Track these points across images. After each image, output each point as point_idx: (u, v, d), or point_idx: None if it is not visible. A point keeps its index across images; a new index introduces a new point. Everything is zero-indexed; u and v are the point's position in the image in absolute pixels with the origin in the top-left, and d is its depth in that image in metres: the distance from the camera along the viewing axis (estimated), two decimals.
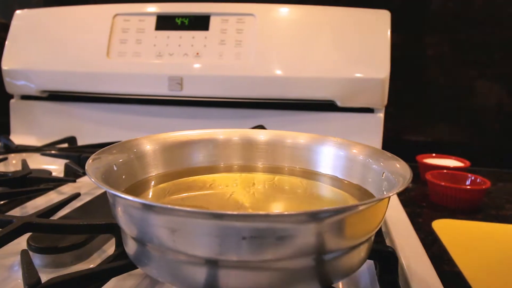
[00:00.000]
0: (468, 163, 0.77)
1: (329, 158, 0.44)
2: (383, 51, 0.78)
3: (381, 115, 0.81)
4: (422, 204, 0.66)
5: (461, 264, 0.45)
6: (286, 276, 0.30)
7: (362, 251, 0.34)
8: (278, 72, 0.79)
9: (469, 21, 0.85)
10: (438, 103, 0.90)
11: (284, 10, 0.83)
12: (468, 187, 0.65)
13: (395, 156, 0.39)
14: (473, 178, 0.67)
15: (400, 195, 0.70)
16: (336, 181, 0.43)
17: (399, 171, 0.37)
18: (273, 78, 0.79)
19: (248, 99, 0.81)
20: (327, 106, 0.80)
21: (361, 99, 0.79)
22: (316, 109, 0.81)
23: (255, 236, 0.28)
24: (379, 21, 0.81)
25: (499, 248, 0.50)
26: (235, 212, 0.26)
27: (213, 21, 0.84)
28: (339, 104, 0.79)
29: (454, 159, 0.80)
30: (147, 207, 0.27)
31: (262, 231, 0.28)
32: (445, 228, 0.55)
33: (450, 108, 0.89)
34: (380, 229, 0.49)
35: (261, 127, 0.68)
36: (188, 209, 0.25)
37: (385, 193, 0.36)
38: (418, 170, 0.79)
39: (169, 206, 0.26)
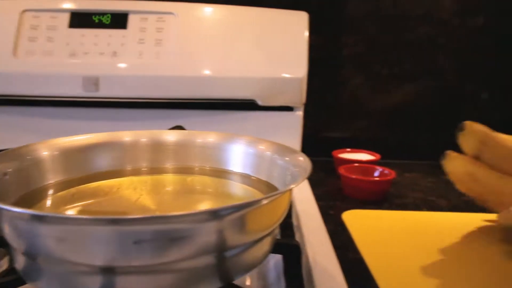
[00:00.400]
0: (378, 156, 0.83)
1: (239, 156, 0.45)
2: (301, 51, 0.81)
3: (300, 113, 0.84)
4: (336, 197, 0.70)
5: (365, 251, 0.49)
6: (187, 276, 0.30)
7: (265, 245, 0.36)
8: (199, 71, 0.79)
9: (380, 23, 0.91)
10: (354, 100, 0.95)
11: (205, 9, 0.83)
12: (377, 178, 0.70)
13: (299, 151, 0.41)
14: (381, 170, 0.72)
15: (316, 189, 0.74)
16: (246, 178, 0.44)
17: (302, 165, 0.39)
18: (194, 78, 0.79)
19: (169, 99, 0.80)
20: (248, 105, 0.82)
21: (281, 98, 0.81)
22: (237, 108, 0.82)
23: (149, 239, 0.28)
24: (297, 22, 0.84)
25: (400, 234, 0.54)
26: (123, 217, 0.25)
27: (131, 20, 0.82)
28: (260, 103, 0.81)
29: (367, 153, 0.85)
30: (32, 217, 0.26)
31: (156, 234, 0.28)
32: (354, 219, 0.59)
33: (365, 105, 0.95)
34: (291, 223, 0.52)
35: (179, 127, 0.67)
36: (74, 216, 0.25)
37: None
38: (334, 165, 0.83)
39: (53, 214, 0.25)
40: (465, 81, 0.91)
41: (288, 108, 0.84)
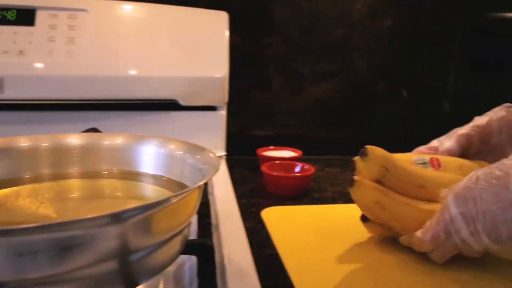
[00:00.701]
0: (300, 152, 0.85)
1: (149, 157, 0.44)
2: (221, 51, 0.82)
3: (223, 113, 0.84)
4: (259, 194, 0.71)
5: (281, 247, 0.50)
6: (89, 284, 0.29)
7: (174, 246, 0.35)
8: (116, 71, 0.76)
9: (299, 25, 0.94)
10: (276, 99, 0.97)
11: (121, 6, 0.80)
12: (297, 174, 0.72)
13: (209, 150, 0.41)
14: (301, 166, 0.74)
15: (240, 187, 0.74)
16: (158, 179, 0.43)
17: (212, 162, 0.39)
18: (111, 78, 0.76)
19: (83, 100, 0.76)
20: (170, 105, 0.80)
21: (203, 98, 0.81)
22: (158, 108, 0.81)
23: (41, 250, 0.26)
24: (218, 22, 0.84)
25: (315, 228, 0.56)
26: (4, 228, 0.23)
27: (39, 16, 0.77)
28: (181, 103, 0.80)
29: (290, 150, 0.87)
30: None
31: (47, 243, 0.26)
32: (273, 215, 0.60)
33: (287, 103, 0.98)
34: (210, 223, 0.51)
35: (94, 130, 0.64)
36: None
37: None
38: (258, 163, 0.84)
39: None
40: (377, 79, 0.97)
41: (211, 108, 0.84)
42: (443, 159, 0.53)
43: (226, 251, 0.43)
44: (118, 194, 0.42)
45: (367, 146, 0.47)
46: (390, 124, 1.01)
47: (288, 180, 0.69)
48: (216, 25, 0.83)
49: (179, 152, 0.42)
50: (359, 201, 0.47)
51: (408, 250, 0.48)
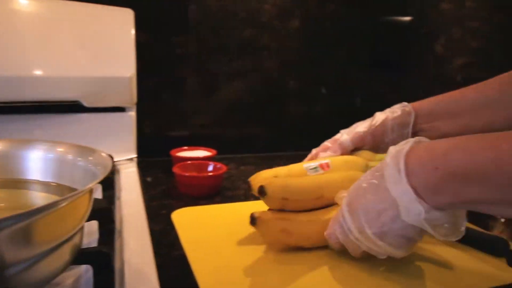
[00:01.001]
0: (214, 152, 0.85)
1: (36, 162, 0.41)
2: (128, 49, 0.78)
3: (132, 114, 0.81)
4: (171, 196, 0.69)
5: (188, 248, 0.49)
6: None
7: (62, 256, 0.33)
8: (13, 71, 0.69)
9: (209, 24, 0.93)
10: (190, 99, 0.96)
11: (18, 1, 0.73)
12: (209, 174, 0.72)
13: (101, 150, 0.39)
14: (214, 165, 0.74)
15: (151, 190, 0.72)
16: (47, 186, 0.40)
17: (104, 163, 0.37)
18: (7, 78, 0.69)
19: None
20: (73, 107, 0.75)
21: (109, 99, 0.77)
22: (60, 111, 0.75)
23: None
24: (123, 20, 0.80)
25: (224, 226, 0.57)
26: None
27: None
28: (85, 104, 0.75)
29: (204, 150, 0.87)
30: None
31: None
32: (184, 216, 0.60)
33: (201, 103, 0.97)
34: (113, 228, 0.49)
35: None
36: None
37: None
38: (172, 164, 0.82)
39: None
40: (288, 77, 1.01)
41: (120, 109, 0.80)
42: (331, 159, 0.57)
43: (127, 257, 0.42)
44: (1, 205, 0.38)
45: (265, 184, 0.48)
46: (301, 121, 1.05)
47: (199, 180, 0.68)
48: (121, 23, 0.79)
49: (69, 156, 0.40)
50: (266, 235, 0.48)
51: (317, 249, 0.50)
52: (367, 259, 0.48)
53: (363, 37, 1.04)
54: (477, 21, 1.13)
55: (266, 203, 0.49)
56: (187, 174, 0.68)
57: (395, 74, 1.09)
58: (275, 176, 0.54)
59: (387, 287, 0.43)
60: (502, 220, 0.62)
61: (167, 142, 0.95)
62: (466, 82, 1.18)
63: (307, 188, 0.50)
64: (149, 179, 0.80)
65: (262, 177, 0.52)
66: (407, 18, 1.06)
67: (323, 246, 0.50)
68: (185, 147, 0.87)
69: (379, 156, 0.58)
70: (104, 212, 0.48)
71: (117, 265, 0.41)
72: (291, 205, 0.49)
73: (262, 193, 0.48)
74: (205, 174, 0.71)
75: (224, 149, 1.00)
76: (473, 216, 0.63)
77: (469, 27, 1.13)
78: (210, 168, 0.74)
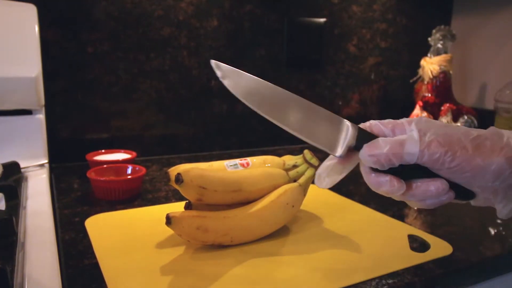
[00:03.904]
0: (134, 154, 0.82)
1: None
2: (32, 48, 0.73)
3: (41, 116, 0.75)
4: (86, 202, 0.66)
5: (101, 256, 0.47)
6: None
7: None
8: None
9: (123, 21, 0.90)
10: (107, 99, 0.92)
11: None
12: (127, 177, 0.70)
13: None
14: (132, 167, 0.72)
15: (64, 197, 0.68)
16: None
17: None
18: None
19: None
20: None
21: (12, 101, 0.71)
22: None
23: None
24: (25, 16, 0.74)
25: (140, 229, 0.55)
26: None
27: None
28: None
29: (123, 152, 0.84)
30: None
31: None
32: (98, 223, 0.57)
33: (120, 104, 0.93)
34: (16, 241, 0.45)
35: None
36: None
37: None
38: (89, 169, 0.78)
39: None
40: (208, 76, 1.00)
41: (26, 112, 0.74)
42: (251, 159, 0.58)
43: (28, 271, 0.39)
44: None
45: (181, 171, 0.47)
46: (224, 120, 1.05)
47: (115, 184, 0.65)
48: (23, 19, 0.73)
49: None
50: (182, 234, 0.47)
51: (230, 252, 0.50)
52: (293, 252, 0.50)
53: (280, 37, 1.07)
54: (384, 23, 1.22)
55: (183, 192, 0.49)
56: (102, 178, 0.65)
57: (312, 73, 1.14)
58: None
59: (310, 278, 0.45)
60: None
61: (85, 146, 0.90)
62: (378, 80, 1.27)
63: (226, 179, 0.51)
64: (63, 185, 0.75)
65: (181, 168, 0.51)
66: (322, 20, 1.11)
67: (244, 243, 0.51)
68: (103, 151, 0.83)
69: (297, 156, 0.60)
70: (4, 224, 0.44)
71: (17, 280, 0.38)
72: (209, 196, 0.49)
73: (179, 180, 0.47)
74: (121, 178, 0.68)
75: (146, 151, 0.97)
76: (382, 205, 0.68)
77: (377, 28, 1.21)
78: (129, 171, 0.72)
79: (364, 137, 0.36)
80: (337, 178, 0.39)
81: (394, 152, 0.34)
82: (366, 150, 0.35)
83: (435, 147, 0.33)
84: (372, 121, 0.38)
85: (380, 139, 0.35)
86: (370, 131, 0.37)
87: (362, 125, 0.38)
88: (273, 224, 0.53)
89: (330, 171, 0.38)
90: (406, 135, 0.35)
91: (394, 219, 0.62)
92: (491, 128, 0.36)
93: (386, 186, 0.35)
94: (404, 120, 0.37)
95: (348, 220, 0.61)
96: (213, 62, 0.40)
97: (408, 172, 0.35)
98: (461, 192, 0.36)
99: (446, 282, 0.49)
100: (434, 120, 0.36)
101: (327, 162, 0.39)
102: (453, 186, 0.36)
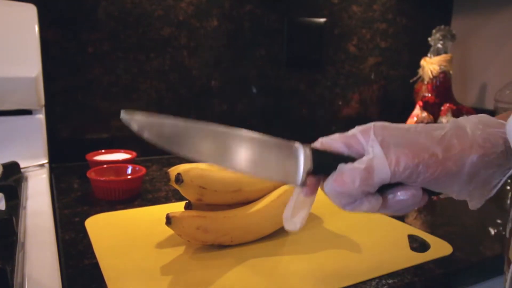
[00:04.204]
0: (134, 154, 0.82)
1: None
2: (32, 48, 0.73)
3: (41, 116, 0.75)
4: (86, 202, 0.66)
5: (101, 256, 0.47)
6: None
7: None
8: None
9: (123, 21, 0.90)
10: (107, 99, 0.92)
11: None
12: (127, 177, 0.70)
13: None
14: (132, 167, 0.72)
15: (64, 197, 0.68)
16: None
17: None
18: None
19: None
20: None
21: (12, 101, 0.71)
22: None
23: None
24: (25, 16, 0.74)
25: (140, 229, 0.55)
26: None
27: None
28: None
29: (123, 152, 0.84)
30: None
31: None
32: (98, 223, 0.57)
33: (119, 104, 0.93)
34: (16, 241, 0.45)
35: None
36: None
37: None
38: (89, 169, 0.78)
39: None
40: (208, 76, 1.00)
41: (26, 112, 0.74)
42: None
43: (28, 270, 0.39)
44: None
45: (181, 171, 0.47)
46: (224, 120, 1.05)
47: (115, 184, 0.65)
48: (24, 20, 0.73)
49: None
50: (182, 234, 0.48)
51: (230, 252, 0.50)
52: (293, 252, 0.50)
53: (280, 37, 1.07)
54: (384, 23, 1.22)
55: (183, 192, 0.49)
56: (102, 178, 0.65)
57: (312, 73, 1.14)
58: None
59: (310, 278, 0.45)
60: None
61: (85, 146, 0.90)
62: (378, 80, 1.27)
63: (226, 179, 0.51)
64: (63, 185, 0.75)
65: (181, 168, 0.51)
66: (322, 20, 1.11)
67: (244, 243, 0.51)
68: (103, 151, 0.83)
69: None
70: (4, 224, 0.44)
71: (17, 280, 0.38)
72: (209, 196, 0.49)
73: (179, 180, 0.47)
74: (121, 178, 0.68)
75: (146, 151, 0.97)
76: None
77: (377, 28, 1.21)
78: (129, 171, 0.72)
79: (321, 158, 0.33)
80: (306, 212, 0.36)
81: (365, 184, 0.31)
82: (335, 188, 0.32)
83: (405, 163, 0.31)
84: (322, 139, 0.35)
85: (344, 172, 0.32)
86: (324, 150, 0.34)
87: (313, 145, 0.35)
88: (273, 224, 0.53)
89: (295, 209, 0.35)
90: (368, 156, 0.32)
91: (394, 219, 0.62)
92: (452, 122, 0.34)
93: (365, 206, 0.33)
94: (356, 130, 0.34)
95: (348, 220, 0.60)
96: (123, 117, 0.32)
97: (382, 187, 0.33)
98: (433, 192, 0.35)
99: (446, 282, 0.49)
100: (389, 124, 0.33)
101: (290, 203, 0.35)
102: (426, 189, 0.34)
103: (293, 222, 0.35)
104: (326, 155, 0.34)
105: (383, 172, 0.31)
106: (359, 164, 0.32)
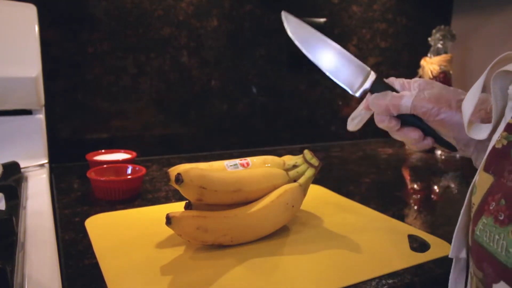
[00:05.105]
0: (134, 154, 0.82)
1: None
2: (32, 48, 0.73)
3: (41, 116, 0.75)
4: (86, 202, 0.66)
5: (101, 256, 0.47)
6: None
7: None
8: None
9: (123, 21, 0.90)
10: (107, 99, 0.92)
11: None
12: (127, 177, 0.70)
13: None
14: (132, 167, 0.72)
15: (64, 197, 0.68)
16: None
17: None
18: None
19: None
20: None
21: (13, 101, 0.71)
22: None
23: None
24: (25, 16, 0.74)
25: (140, 229, 0.55)
26: None
27: None
28: None
29: (123, 152, 0.84)
30: None
31: None
32: (98, 223, 0.57)
33: (119, 103, 0.93)
34: (16, 241, 0.45)
35: None
36: None
37: None
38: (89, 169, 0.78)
39: None
40: (208, 76, 1.00)
41: (26, 112, 0.74)
42: (251, 159, 0.58)
43: (28, 270, 0.39)
44: None
45: (181, 171, 0.47)
46: (225, 120, 1.05)
47: (115, 184, 0.65)
48: (23, 19, 0.73)
49: None
50: (182, 234, 0.48)
51: (229, 252, 0.50)
52: (293, 252, 0.50)
53: (280, 37, 1.07)
54: (384, 23, 1.22)
55: (183, 192, 0.49)
56: (102, 178, 0.65)
57: (312, 73, 1.14)
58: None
59: (310, 278, 0.45)
60: None
61: (85, 146, 0.90)
62: None
63: (226, 179, 0.51)
64: (63, 185, 0.75)
65: (181, 168, 0.51)
66: (322, 20, 1.11)
67: (244, 243, 0.51)
68: (102, 151, 0.83)
69: (297, 157, 0.60)
70: (4, 224, 0.44)
71: (17, 280, 0.38)
72: (209, 196, 0.49)
73: (179, 180, 0.47)
74: (121, 178, 0.68)
75: (146, 151, 0.97)
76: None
77: (377, 28, 1.21)
78: (129, 171, 0.72)
79: (378, 84, 0.47)
80: (361, 119, 0.50)
81: (393, 103, 0.44)
82: (374, 98, 0.46)
83: (425, 103, 0.43)
84: (391, 78, 0.49)
85: (386, 93, 0.45)
86: (387, 82, 0.48)
87: (384, 79, 0.48)
88: (273, 224, 0.53)
89: (356, 116, 0.51)
90: (407, 91, 0.45)
91: (394, 219, 0.62)
92: (483, 94, 0.41)
93: (386, 122, 0.46)
94: (412, 80, 0.47)
95: (348, 220, 0.60)
96: (283, 14, 0.53)
97: (409, 120, 0.45)
98: (444, 142, 0.46)
99: (446, 282, 0.49)
100: (436, 82, 0.46)
101: (355, 112, 0.51)
102: (438, 138, 0.46)
103: (351, 123, 0.51)
104: (384, 84, 0.48)
105: (407, 101, 0.44)
106: (396, 93, 0.45)
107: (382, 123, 0.46)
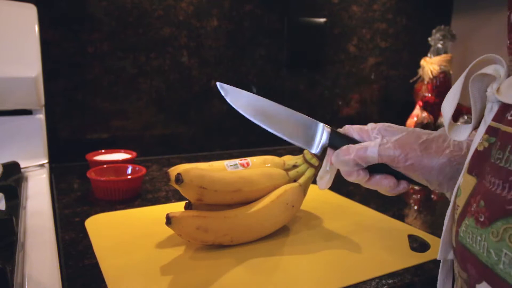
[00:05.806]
0: (134, 154, 0.82)
1: None
2: (32, 48, 0.73)
3: (41, 116, 0.75)
4: (87, 202, 0.66)
5: (101, 256, 0.47)
6: None
7: None
8: None
9: (123, 21, 0.90)
10: (107, 99, 0.92)
11: None
12: (127, 177, 0.70)
13: None
14: (132, 167, 0.72)
15: (64, 197, 0.68)
16: None
17: None
18: None
19: None
20: None
21: (13, 101, 0.71)
22: None
23: None
24: (25, 16, 0.74)
25: (140, 229, 0.55)
26: None
27: None
28: None
29: (123, 152, 0.84)
30: None
31: None
32: (98, 223, 0.57)
33: (119, 103, 0.93)
34: (16, 241, 0.45)
35: None
36: None
37: None
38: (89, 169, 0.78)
39: None
40: (208, 76, 1.00)
41: (26, 112, 0.74)
42: (251, 159, 0.58)
43: (28, 270, 0.39)
44: None
45: (181, 171, 0.47)
46: (225, 120, 1.05)
47: (115, 184, 0.65)
48: (23, 19, 0.73)
49: None
50: (182, 234, 0.48)
51: (229, 252, 0.50)
52: (293, 252, 0.50)
53: (280, 37, 1.07)
54: (384, 23, 1.22)
55: (183, 192, 0.49)
56: (102, 178, 0.65)
57: (312, 73, 1.14)
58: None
59: (310, 278, 0.45)
60: None
61: (85, 146, 0.90)
62: (378, 80, 1.27)
63: (226, 179, 0.51)
64: (63, 185, 0.75)
65: (181, 168, 0.51)
66: (322, 20, 1.11)
67: (244, 243, 0.51)
68: (102, 151, 0.83)
69: (297, 157, 0.60)
70: (4, 224, 0.44)
71: (17, 280, 0.38)
72: (209, 196, 0.49)
73: (179, 180, 0.47)
74: (121, 178, 0.68)
75: (146, 151, 0.97)
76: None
77: (377, 28, 1.21)
78: (129, 171, 0.72)
79: (335, 138, 0.45)
80: (329, 177, 0.47)
81: (359, 156, 0.42)
82: (338, 156, 0.44)
83: (391, 151, 0.42)
84: (346, 126, 0.47)
85: (348, 147, 0.43)
86: (343, 133, 0.46)
87: (338, 129, 0.46)
88: (273, 224, 0.53)
89: (322, 174, 0.47)
90: (370, 141, 0.44)
91: (394, 219, 0.62)
92: (440, 130, 0.43)
93: (354, 175, 0.44)
94: (369, 126, 0.45)
95: (348, 220, 0.60)
96: (218, 84, 0.50)
97: (377, 167, 0.43)
98: (418, 183, 0.44)
99: None
100: (395, 126, 0.44)
101: (320, 170, 0.48)
102: (412, 180, 0.44)
103: (322, 183, 0.48)
104: (341, 136, 0.46)
105: (373, 151, 0.42)
106: (359, 145, 0.43)
107: (351, 177, 0.44)
